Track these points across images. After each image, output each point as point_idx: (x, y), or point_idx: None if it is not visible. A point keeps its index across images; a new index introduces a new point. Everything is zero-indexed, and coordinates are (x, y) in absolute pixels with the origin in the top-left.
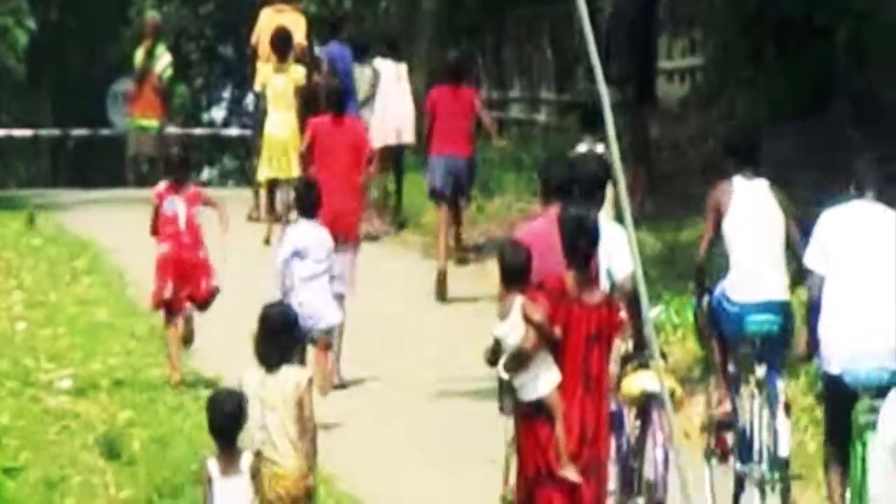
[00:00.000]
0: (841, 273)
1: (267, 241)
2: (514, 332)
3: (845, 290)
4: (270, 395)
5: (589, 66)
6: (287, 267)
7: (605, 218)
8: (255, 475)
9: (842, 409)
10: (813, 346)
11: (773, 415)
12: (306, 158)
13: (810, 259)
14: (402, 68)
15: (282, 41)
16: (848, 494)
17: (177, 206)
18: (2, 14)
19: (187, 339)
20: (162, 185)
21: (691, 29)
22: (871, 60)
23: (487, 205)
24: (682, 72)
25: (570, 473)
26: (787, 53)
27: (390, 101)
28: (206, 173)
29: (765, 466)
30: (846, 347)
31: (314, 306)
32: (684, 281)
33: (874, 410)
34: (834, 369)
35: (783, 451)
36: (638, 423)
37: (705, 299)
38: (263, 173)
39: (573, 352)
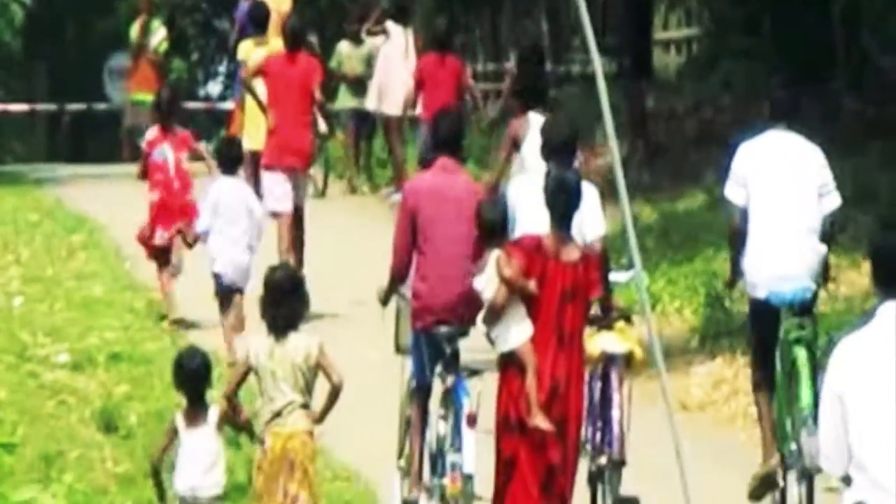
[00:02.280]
0: (761, 202)
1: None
2: (489, 287)
3: (766, 219)
4: (280, 366)
5: (584, 38)
6: (208, 224)
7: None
8: (221, 427)
9: (768, 331)
10: (735, 273)
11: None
12: (255, 94)
13: (729, 191)
14: (410, 35)
15: (260, 15)
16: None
17: (166, 153)
18: None
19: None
20: (152, 132)
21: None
22: (868, 28)
23: (482, 175)
24: (678, 42)
25: (541, 422)
26: (783, 22)
27: (396, 71)
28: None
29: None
30: (771, 272)
31: (230, 265)
32: (681, 250)
33: (801, 327)
34: (760, 294)
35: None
36: (599, 384)
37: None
38: (247, 145)
39: (547, 307)
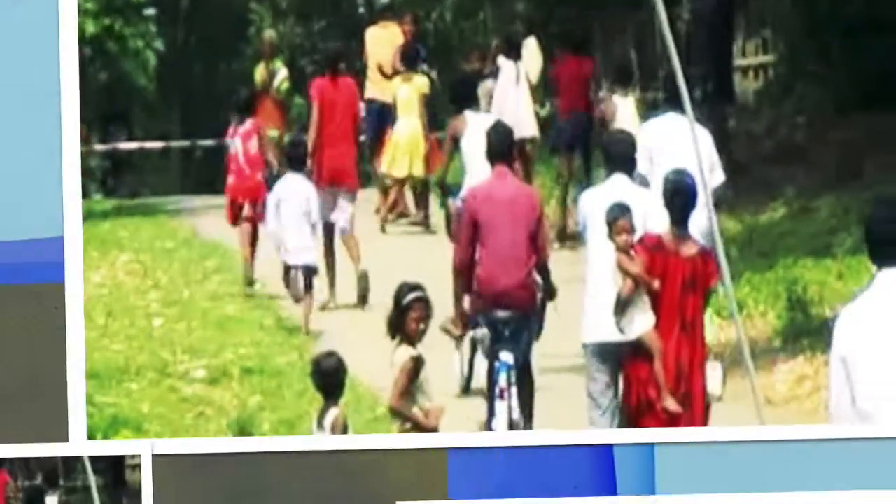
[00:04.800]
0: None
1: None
2: (612, 281)
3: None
4: None
5: (670, 68)
6: (271, 214)
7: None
8: (335, 431)
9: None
10: None
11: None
12: (315, 118)
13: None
14: (522, 67)
15: (410, 53)
16: None
17: (236, 145)
18: (133, 37)
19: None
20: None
21: (763, 29)
22: None
23: None
24: (755, 68)
25: (671, 404)
26: (853, 52)
27: (507, 102)
28: None
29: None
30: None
31: (292, 245)
32: (764, 259)
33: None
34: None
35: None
36: None
37: None
38: (385, 170)
39: (670, 298)
